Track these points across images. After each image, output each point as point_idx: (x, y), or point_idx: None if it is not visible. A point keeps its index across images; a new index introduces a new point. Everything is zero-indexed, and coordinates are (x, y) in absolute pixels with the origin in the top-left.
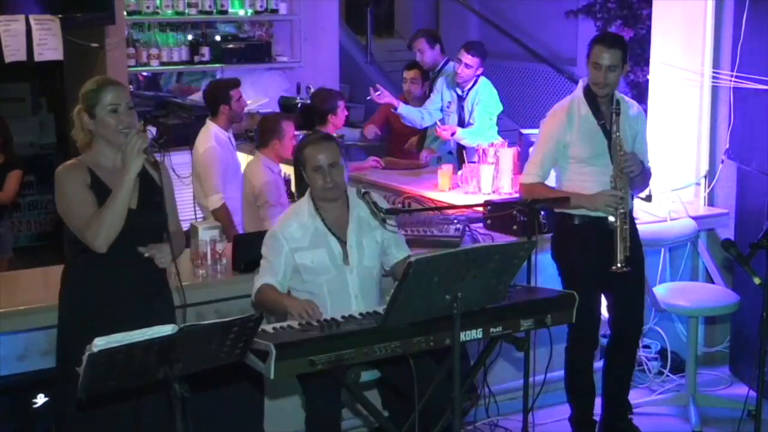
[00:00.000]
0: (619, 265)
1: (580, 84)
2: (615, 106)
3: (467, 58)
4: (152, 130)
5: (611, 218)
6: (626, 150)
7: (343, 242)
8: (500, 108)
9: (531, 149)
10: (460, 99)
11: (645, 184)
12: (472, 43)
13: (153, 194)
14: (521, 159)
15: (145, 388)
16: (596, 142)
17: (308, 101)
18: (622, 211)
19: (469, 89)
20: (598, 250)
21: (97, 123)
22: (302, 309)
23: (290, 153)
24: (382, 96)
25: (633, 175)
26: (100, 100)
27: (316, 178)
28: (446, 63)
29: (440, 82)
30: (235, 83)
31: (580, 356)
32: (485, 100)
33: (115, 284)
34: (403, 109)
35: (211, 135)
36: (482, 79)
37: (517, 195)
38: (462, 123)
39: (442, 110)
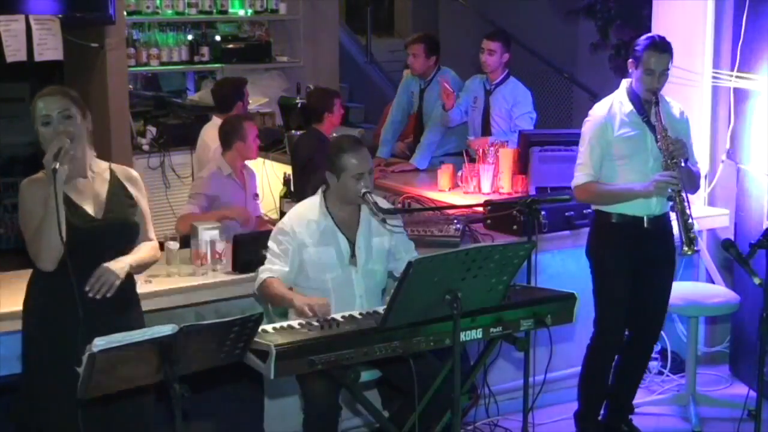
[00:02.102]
0: (685, 248)
1: (623, 85)
2: (654, 98)
3: (489, 44)
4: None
5: (670, 202)
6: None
7: (351, 242)
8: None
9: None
10: (487, 93)
11: (695, 184)
12: (493, 30)
13: (121, 205)
14: (521, 159)
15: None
16: (640, 138)
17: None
18: (677, 190)
19: (498, 83)
20: (632, 250)
21: (40, 137)
22: (307, 305)
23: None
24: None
25: (682, 157)
26: (35, 113)
27: (354, 184)
28: (438, 71)
29: (468, 83)
30: (245, 81)
31: (602, 356)
32: (523, 103)
33: (75, 295)
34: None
35: None
36: (513, 80)
37: (516, 195)
38: (486, 118)
39: (467, 112)
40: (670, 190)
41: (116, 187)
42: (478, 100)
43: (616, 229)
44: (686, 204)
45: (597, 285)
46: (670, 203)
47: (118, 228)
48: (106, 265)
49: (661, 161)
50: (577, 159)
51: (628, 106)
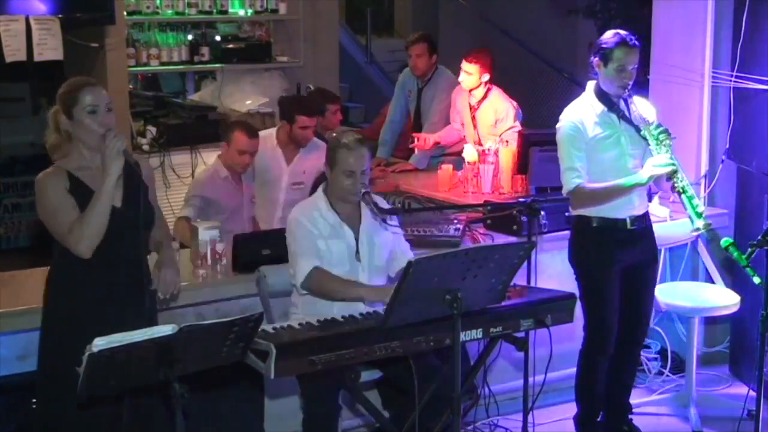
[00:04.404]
0: (697, 224)
1: (590, 87)
2: (626, 92)
3: (465, 65)
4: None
5: (674, 183)
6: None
7: (355, 238)
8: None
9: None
10: (472, 109)
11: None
12: (471, 50)
13: (138, 192)
14: (521, 159)
15: (135, 389)
16: (614, 138)
17: None
18: (674, 169)
19: (481, 99)
20: (618, 252)
21: (75, 124)
22: (381, 298)
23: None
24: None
25: (668, 140)
26: (78, 101)
27: (345, 180)
28: (435, 70)
29: (455, 97)
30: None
31: (595, 359)
32: (506, 119)
33: (100, 285)
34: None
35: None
36: (494, 93)
37: (516, 195)
38: (479, 136)
39: (463, 124)
40: (668, 170)
41: (130, 176)
42: (466, 117)
43: (598, 234)
44: (686, 181)
45: (585, 291)
46: (670, 183)
47: (136, 215)
48: (166, 268)
49: (637, 159)
50: (561, 166)
51: (599, 107)
